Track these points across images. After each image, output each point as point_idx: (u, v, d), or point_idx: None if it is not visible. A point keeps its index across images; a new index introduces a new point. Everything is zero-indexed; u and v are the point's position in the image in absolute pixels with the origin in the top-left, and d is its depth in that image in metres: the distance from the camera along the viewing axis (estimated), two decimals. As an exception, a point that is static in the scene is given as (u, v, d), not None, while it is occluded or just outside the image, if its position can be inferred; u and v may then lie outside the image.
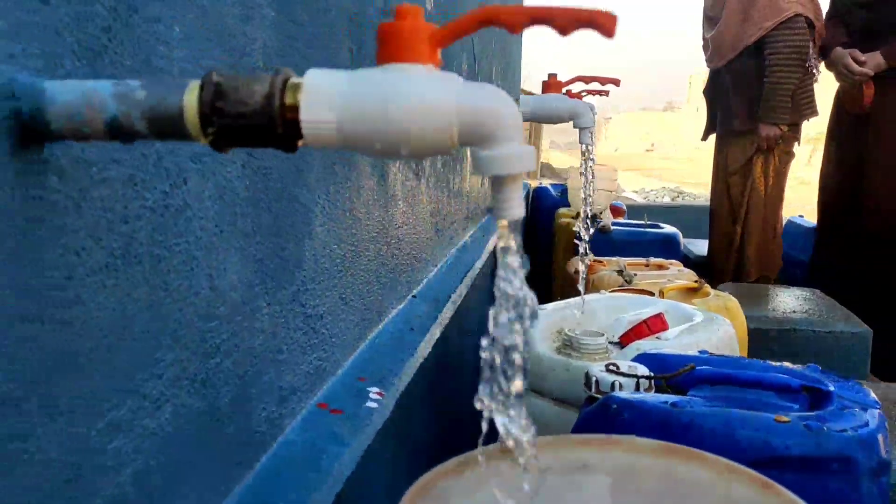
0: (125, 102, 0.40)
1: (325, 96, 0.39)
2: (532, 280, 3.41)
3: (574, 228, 1.76)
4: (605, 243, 2.77)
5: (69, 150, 0.46)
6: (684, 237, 3.25)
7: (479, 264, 1.87)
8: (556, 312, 1.43)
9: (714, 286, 2.15)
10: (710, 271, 2.81)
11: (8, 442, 0.42)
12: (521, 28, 0.40)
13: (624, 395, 0.93)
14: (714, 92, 2.80)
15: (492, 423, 0.48)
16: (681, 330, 1.30)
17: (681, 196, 11.84)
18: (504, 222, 0.40)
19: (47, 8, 0.44)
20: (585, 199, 1.23)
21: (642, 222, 3.07)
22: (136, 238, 0.54)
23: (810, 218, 3.07)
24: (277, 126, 0.39)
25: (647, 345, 1.21)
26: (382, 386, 1.00)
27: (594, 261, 2.14)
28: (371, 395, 0.97)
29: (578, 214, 2.99)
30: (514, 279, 0.40)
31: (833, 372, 1.03)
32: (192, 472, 0.63)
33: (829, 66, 2.61)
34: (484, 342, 0.44)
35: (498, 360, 0.41)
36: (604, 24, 0.38)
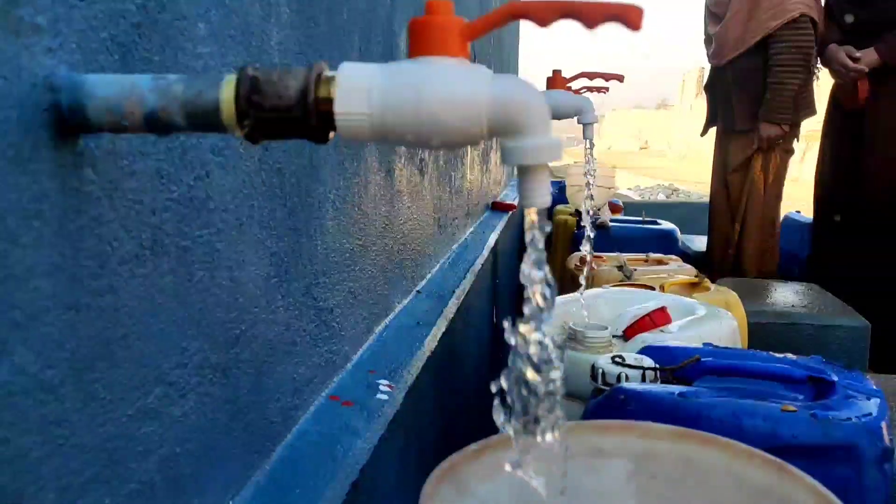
0: (164, 96, 0.41)
1: (359, 89, 0.40)
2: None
3: (582, 224, 1.77)
4: (604, 240, 2.79)
5: (101, 142, 0.47)
6: (682, 233, 3.27)
7: (480, 261, 1.89)
8: (560, 307, 1.45)
9: (713, 281, 2.17)
10: (709, 267, 2.83)
11: (47, 427, 0.43)
12: (551, 22, 0.41)
13: (631, 385, 0.95)
14: (715, 88, 2.81)
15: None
16: (684, 323, 1.31)
17: (675, 193, 11.87)
18: (533, 209, 0.41)
19: (83, 4, 0.45)
20: (589, 193, 1.24)
21: (640, 219, 3.09)
22: (163, 229, 0.55)
23: (806, 213, 3.09)
24: (312, 118, 0.40)
25: (651, 338, 1.23)
26: (392, 379, 1.02)
27: (594, 256, 2.15)
28: (381, 388, 0.98)
29: (577, 211, 3.01)
30: (540, 268, 0.41)
31: (836, 362, 1.05)
32: (216, 459, 0.64)
33: (824, 63, 2.63)
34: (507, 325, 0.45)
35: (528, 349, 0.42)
36: (631, 17, 0.39)
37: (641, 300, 1.47)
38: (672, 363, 1.04)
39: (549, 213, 3.19)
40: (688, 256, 2.96)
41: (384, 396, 0.95)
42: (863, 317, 2.00)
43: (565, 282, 2.37)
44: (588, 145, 1.29)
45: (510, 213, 2.72)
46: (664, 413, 0.88)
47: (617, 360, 1.03)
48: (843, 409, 0.87)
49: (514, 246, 3.07)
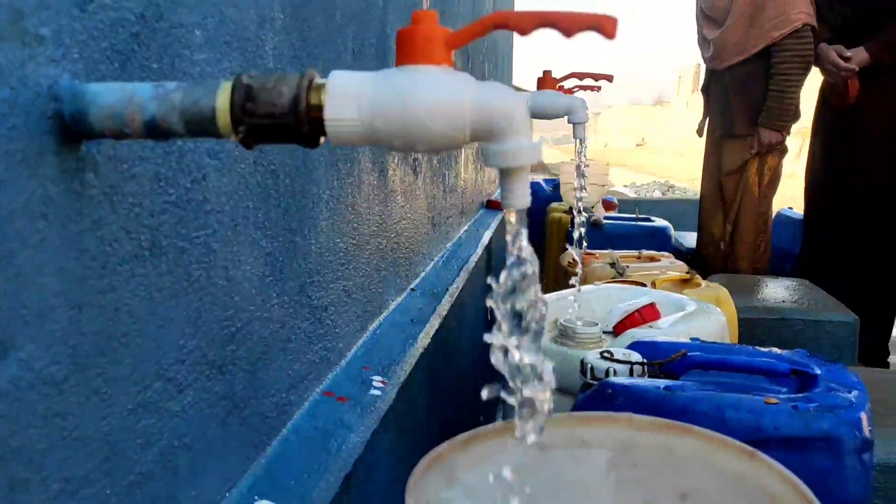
0: (163, 104, 0.43)
1: (348, 96, 0.42)
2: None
3: (574, 220, 1.80)
4: (597, 236, 2.81)
5: (103, 148, 0.49)
6: (676, 230, 3.30)
7: (473, 259, 1.91)
8: (552, 304, 1.47)
9: (704, 277, 2.20)
10: (701, 264, 2.85)
11: (51, 420, 0.45)
12: (531, 31, 0.43)
13: (619, 380, 0.97)
14: (712, 91, 2.83)
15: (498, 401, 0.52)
16: (674, 319, 1.34)
17: (671, 190, 11.89)
18: (512, 210, 0.43)
19: (84, 15, 0.47)
20: (580, 191, 1.27)
21: (634, 216, 3.11)
22: (161, 231, 0.57)
23: (798, 209, 3.11)
24: (303, 125, 0.43)
25: (640, 333, 1.25)
26: (385, 375, 1.04)
27: (586, 253, 2.18)
28: (374, 384, 1.01)
29: (571, 209, 3.03)
30: (523, 266, 0.43)
31: (819, 356, 1.07)
32: (213, 452, 0.66)
33: (815, 63, 2.65)
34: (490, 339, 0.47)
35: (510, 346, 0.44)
36: (606, 27, 0.41)
37: (632, 296, 1.49)
38: (660, 358, 1.06)
39: (544, 211, 3.20)
40: (681, 253, 2.98)
41: (377, 392, 0.97)
42: (852, 311, 2.03)
43: (559, 279, 2.39)
44: (578, 144, 1.31)
45: (503, 211, 2.74)
46: (650, 407, 0.90)
47: (605, 355, 1.05)
48: (824, 401, 0.89)
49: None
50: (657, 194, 11.41)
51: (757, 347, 1.08)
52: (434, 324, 1.31)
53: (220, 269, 0.68)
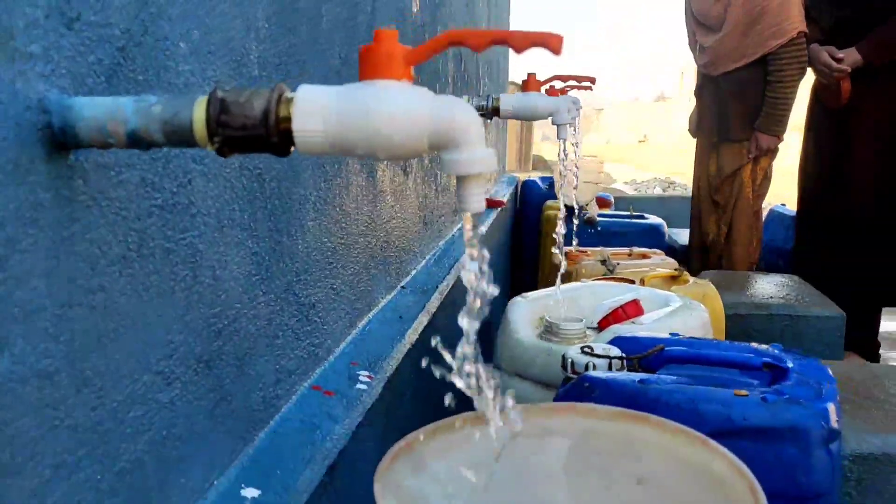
0: (144, 116, 0.46)
1: (314, 109, 0.46)
2: (520, 271, 3.47)
3: (572, 218, 1.84)
4: (592, 234, 2.85)
5: (90, 156, 0.53)
6: (674, 226, 3.32)
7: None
8: (539, 300, 1.50)
9: (695, 274, 2.23)
10: (693, 263, 2.89)
11: (42, 409, 0.48)
12: (485, 48, 0.46)
13: (596, 374, 1.00)
14: (706, 95, 2.86)
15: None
16: (657, 315, 1.37)
17: (672, 186, 11.89)
18: (468, 214, 0.46)
19: (71, 33, 0.51)
20: (561, 192, 1.30)
21: (628, 213, 3.14)
22: (148, 233, 0.60)
23: (791, 205, 3.14)
24: (273, 136, 0.46)
25: (623, 329, 1.28)
26: (372, 370, 1.07)
27: (578, 251, 2.21)
28: (361, 378, 1.04)
29: (565, 206, 3.06)
30: (477, 267, 0.47)
31: (795, 350, 1.10)
32: (201, 442, 0.70)
33: (807, 63, 2.68)
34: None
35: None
36: (552, 43, 0.45)
37: (618, 293, 1.52)
38: (640, 353, 1.09)
39: (539, 209, 3.22)
40: (675, 250, 3.01)
41: (363, 386, 1.01)
42: (845, 308, 2.06)
43: (553, 276, 2.42)
44: (563, 145, 1.35)
45: (499, 209, 2.78)
46: (626, 399, 0.94)
47: (586, 350, 1.08)
48: (793, 393, 0.92)
49: (503, 241, 3.12)
50: (658, 191, 11.42)
51: (733, 342, 1.11)
52: (422, 320, 1.34)
53: (206, 269, 0.71)
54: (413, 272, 1.62)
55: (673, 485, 0.64)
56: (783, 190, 2.89)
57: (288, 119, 0.46)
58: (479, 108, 1.31)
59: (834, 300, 2.10)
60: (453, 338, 0.55)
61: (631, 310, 1.36)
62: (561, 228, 1.31)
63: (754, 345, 1.13)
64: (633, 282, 1.81)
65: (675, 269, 1.88)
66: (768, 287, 2.21)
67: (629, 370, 1.06)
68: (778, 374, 1.01)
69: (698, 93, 2.93)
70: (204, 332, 0.71)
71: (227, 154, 0.48)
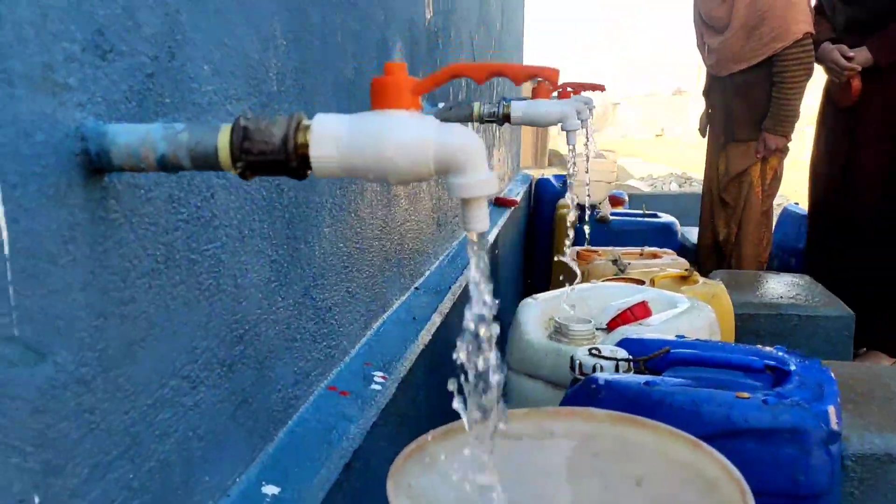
0: (172, 143, 0.50)
1: (329, 136, 0.49)
2: (533, 269, 3.49)
3: (583, 218, 1.88)
4: (604, 233, 2.87)
5: (122, 176, 0.57)
6: (686, 225, 3.34)
7: (479, 256, 1.97)
8: (549, 301, 1.53)
9: (706, 274, 2.25)
10: (703, 263, 2.90)
11: (81, 414, 0.52)
12: (486, 80, 0.50)
13: (604, 376, 1.03)
14: (714, 96, 2.88)
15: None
16: (664, 316, 1.40)
17: (688, 182, 11.84)
18: (473, 234, 0.50)
19: (105, 63, 0.54)
20: (573, 193, 1.33)
21: (640, 212, 3.16)
22: (174, 246, 0.64)
23: (804, 202, 3.15)
24: (292, 161, 0.50)
25: (631, 330, 1.31)
26: (386, 370, 1.11)
27: (590, 250, 2.24)
28: (376, 379, 1.08)
29: (578, 205, 3.09)
30: (481, 282, 0.50)
31: (798, 352, 1.13)
32: (224, 443, 0.74)
33: (818, 61, 2.69)
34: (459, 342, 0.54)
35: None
36: (548, 75, 0.48)
37: (627, 294, 1.55)
38: (646, 355, 1.12)
39: (553, 207, 3.24)
40: (687, 249, 3.03)
41: (378, 387, 1.04)
42: (850, 307, 2.08)
43: (565, 274, 2.45)
44: (571, 149, 1.38)
45: (512, 208, 2.81)
46: (631, 401, 0.97)
47: (594, 351, 1.12)
48: (794, 396, 0.95)
49: (516, 241, 3.15)
50: (674, 186, 11.38)
51: (738, 345, 1.14)
52: (435, 321, 1.38)
53: (228, 278, 0.75)
54: (427, 273, 1.66)
55: (669, 486, 0.68)
56: (802, 186, 2.89)
57: (305, 145, 0.49)
58: (490, 115, 1.34)
59: (847, 300, 2.12)
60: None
61: (639, 311, 1.39)
62: (571, 230, 1.34)
63: (758, 347, 1.16)
64: (643, 282, 1.84)
65: (686, 270, 1.90)
66: (778, 287, 2.23)
67: (636, 372, 1.09)
68: (780, 376, 1.03)
69: (706, 93, 2.95)
70: (226, 338, 0.75)
71: (248, 177, 0.51)
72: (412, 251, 1.52)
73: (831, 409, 0.95)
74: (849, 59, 2.51)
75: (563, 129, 1.33)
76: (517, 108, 1.36)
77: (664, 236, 2.89)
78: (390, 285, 1.35)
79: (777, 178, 2.77)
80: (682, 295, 1.55)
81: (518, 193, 3.22)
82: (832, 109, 2.68)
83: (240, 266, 0.77)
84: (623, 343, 1.17)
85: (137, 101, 0.58)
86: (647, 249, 2.26)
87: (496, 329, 0.52)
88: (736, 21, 2.68)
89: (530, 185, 3.80)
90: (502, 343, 1.58)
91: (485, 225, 0.50)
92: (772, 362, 1.05)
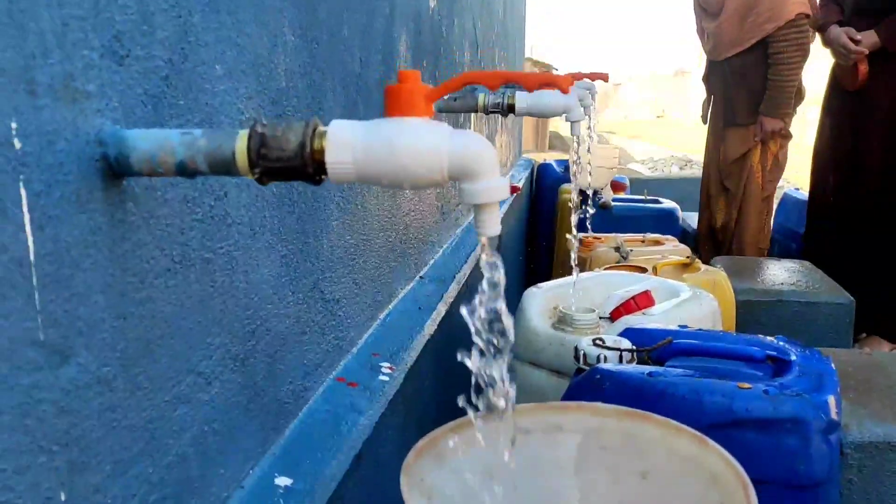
0: (190, 149, 0.51)
1: (345, 143, 0.50)
2: (536, 254, 3.51)
3: (571, 206, 1.89)
4: (606, 219, 2.88)
5: (140, 180, 0.58)
6: (688, 209, 3.35)
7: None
8: (553, 290, 1.55)
9: (707, 261, 2.27)
10: (704, 249, 2.92)
11: (104, 413, 0.54)
12: (499, 86, 0.51)
13: (607, 366, 1.05)
14: (713, 81, 2.88)
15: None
16: (667, 306, 1.41)
17: (689, 164, 11.84)
18: (484, 238, 0.51)
19: (122, 69, 0.55)
20: (575, 188, 1.34)
21: (642, 197, 3.17)
22: (189, 245, 0.66)
23: (806, 186, 3.15)
24: (308, 166, 0.51)
25: (634, 320, 1.33)
26: (393, 361, 1.13)
27: (592, 237, 2.25)
28: (383, 370, 1.10)
29: (581, 191, 3.10)
30: (493, 288, 0.52)
31: (798, 342, 1.14)
32: (238, 436, 0.75)
33: (826, 45, 2.68)
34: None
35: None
36: (559, 83, 0.49)
37: (630, 283, 1.57)
38: (650, 344, 1.14)
39: (555, 192, 3.25)
40: (688, 234, 3.04)
41: (385, 378, 1.06)
42: (858, 293, 2.09)
43: (567, 261, 2.47)
44: (576, 140, 1.39)
45: (514, 195, 2.82)
46: (635, 391, 0.99)
47: (597, 342, 1.13)
48: (795, 386, 0.97)
49: (518, 226, 3.16)
50: (675, 169, 11.38)
51: (739, 335, 1.16)
52: (441, 310, 1.39)
53: (240, 274, 0.76)
54: (431, 262, 1.67)
55: (674, 479, 0.69)
56: (806, 168, 2.89)
57: (321, 151, 0.50)
58: (494, 106, 1.34)
59: (847, 285, 2.14)
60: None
61: (642, 301, 1.41)
62: (574, 216, 1.35)
63: (759, 337, 1.18)
64: (645, 269, 1.85)
65: (688, 257, 1.91)
66: (779, 273, 2.25)
67: (639, 362, 1.11)
68: (781, 366, 1.05)
69: (706, 79, 2.96)
70: (239, 333, 0.76)
71: (265, 182, 0.52)
72: (416, 240, 1.53)
73: (831, 400, 0.97)
74: (856, 42, 2.51)
75: (567, 120, 1.34)
76: (521, 100, 1.37)
77: (666, 222, 2.90)
78: (396, 275, 1.37)
79: (778, 165, 2.78)
80: (684, 283, 1.56)
81: (520, 179, 3.23)
82: (838, 93, 2.68)
83: (251, 262, 0.79)
84: (626, 333, 1.19)
85: (153, 105, 0.59)
86: (650, 236, 2.27)
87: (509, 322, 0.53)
88: (729, 5, 2.68)
89: (532, 170, 3.80)
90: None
91: (497, 229, 0.51)
92: (773, 352, 1.06)
